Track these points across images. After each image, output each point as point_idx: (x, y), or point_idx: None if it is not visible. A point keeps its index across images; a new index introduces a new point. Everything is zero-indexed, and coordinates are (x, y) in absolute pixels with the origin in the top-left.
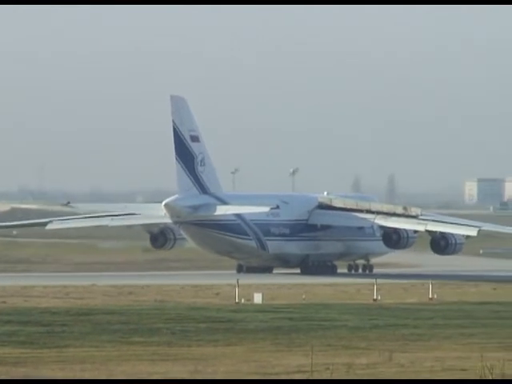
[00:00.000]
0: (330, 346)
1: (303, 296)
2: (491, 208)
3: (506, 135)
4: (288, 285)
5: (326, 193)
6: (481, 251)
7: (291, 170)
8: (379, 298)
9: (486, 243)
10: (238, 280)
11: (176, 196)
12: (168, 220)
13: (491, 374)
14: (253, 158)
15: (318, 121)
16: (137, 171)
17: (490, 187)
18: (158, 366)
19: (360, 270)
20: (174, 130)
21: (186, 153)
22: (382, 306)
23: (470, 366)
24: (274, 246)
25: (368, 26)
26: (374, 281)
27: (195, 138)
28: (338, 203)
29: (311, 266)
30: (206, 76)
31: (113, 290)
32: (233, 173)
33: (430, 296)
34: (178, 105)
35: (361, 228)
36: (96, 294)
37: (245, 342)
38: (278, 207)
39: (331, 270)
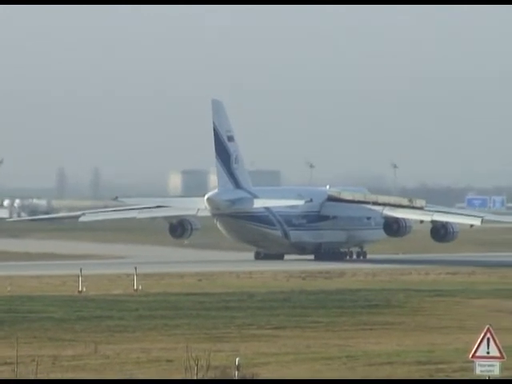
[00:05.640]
0: (35, 338)
1: (8, 288)
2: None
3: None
4: None
5: (328, 186)
6: (185, 242)
7: None
8: (84, 289)
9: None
10: None
11: (216, 191)
12: (189, 212)
13: (196, 364)
14: None
15: (21, 114)
16: None
17: (194, 179)
18: None
19: (354, 256)
20: (214, 130)
21: (223, 151)
22: (88, 298)
23: (175, 356)
24: (294, 235)
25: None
26: (79, 272)
27: (231, 138)
28: (346, 196)
29: (323, 252)
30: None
31: None
32: None
33: (135, 287)
34: (217, 108)
35: (360, 218)
36: None
37: None
38: (311, 200)
39: (340, 257)
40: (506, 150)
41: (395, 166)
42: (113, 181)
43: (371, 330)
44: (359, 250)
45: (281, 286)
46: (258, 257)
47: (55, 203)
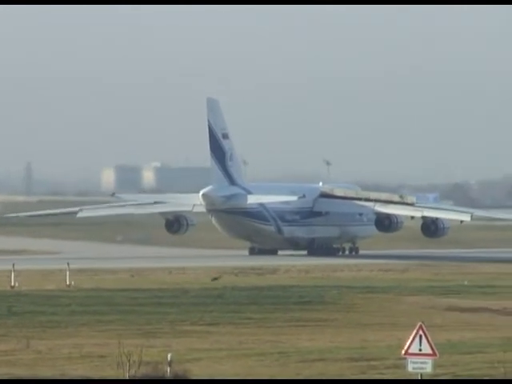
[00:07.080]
0: None
1: None
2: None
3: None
4: None
5: (321, 183)
6: (119, 238)
7: None
8: (17, 284)
9: (125, 229)
10: None
11: (211, 187)
12: (185, 208)
13: (129, 360)
14: None
15: None
16: None
17: (127, 175)
18: None
19: (347, 252)
20: (209, 128)
21: (218, 149)
22: (20, 293)
23: (107, 352)
24: (288, 230)
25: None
26: (11, 267)
27: (226, 136)
28: (339, 192)
29: (316, 248)
30: None
31: None
32: None
33: (68, 283)
34: (212, 106)
35: (352, 214)
36: None
37: None
38: (304, 196)
39: (333, 252)
40: (440, 147)
41: (328, 163)
42: (46, 176)
43: (304, 326)
44: (351, 245)
45: (214, 282)
46: (252, 252)
47: None
